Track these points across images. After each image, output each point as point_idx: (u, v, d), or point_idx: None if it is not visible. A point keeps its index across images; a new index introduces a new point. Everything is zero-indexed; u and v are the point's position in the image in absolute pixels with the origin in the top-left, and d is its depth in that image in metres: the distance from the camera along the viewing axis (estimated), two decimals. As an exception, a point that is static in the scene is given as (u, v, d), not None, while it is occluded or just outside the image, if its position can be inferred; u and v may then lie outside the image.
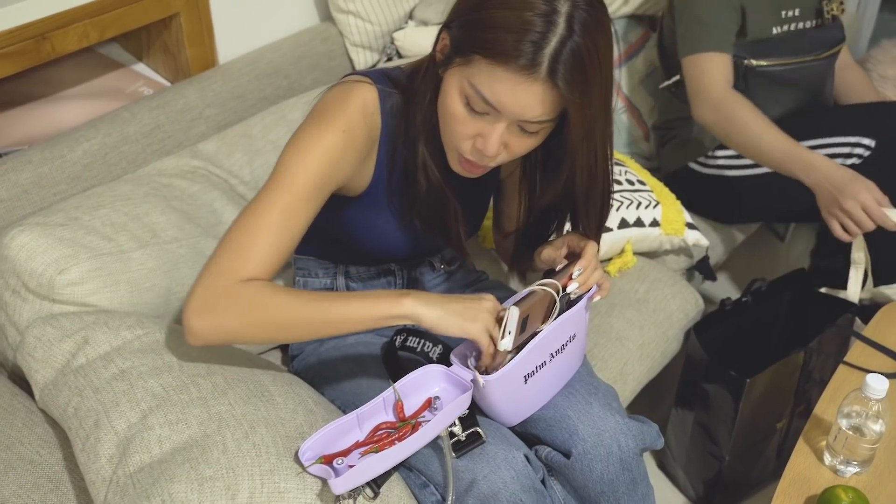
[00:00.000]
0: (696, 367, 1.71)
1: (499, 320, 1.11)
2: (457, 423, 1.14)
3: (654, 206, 1.80)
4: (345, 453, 1.09)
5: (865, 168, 1.81)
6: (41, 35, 1.47)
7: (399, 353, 1.28)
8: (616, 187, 1.79)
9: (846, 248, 1.79)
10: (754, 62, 1.86)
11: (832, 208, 1.67)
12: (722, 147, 1.94)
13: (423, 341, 1.26)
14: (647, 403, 1.96)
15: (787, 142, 1.71)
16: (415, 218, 1.26)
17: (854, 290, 1.78)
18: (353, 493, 1.07)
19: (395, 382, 1.14)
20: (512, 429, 1.25)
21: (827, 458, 1.35)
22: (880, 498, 1.30)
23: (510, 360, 1.13)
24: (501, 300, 1.19)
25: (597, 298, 1.25)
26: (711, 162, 1.97)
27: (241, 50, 1.85)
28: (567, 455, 1.22)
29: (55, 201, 1.49)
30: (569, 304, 1.21)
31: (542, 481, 1.23)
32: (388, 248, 1.31)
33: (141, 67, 1.81)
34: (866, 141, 1.84)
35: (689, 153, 2.00)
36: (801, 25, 1.92)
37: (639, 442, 1.24)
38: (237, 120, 1.76)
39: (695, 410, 1.74)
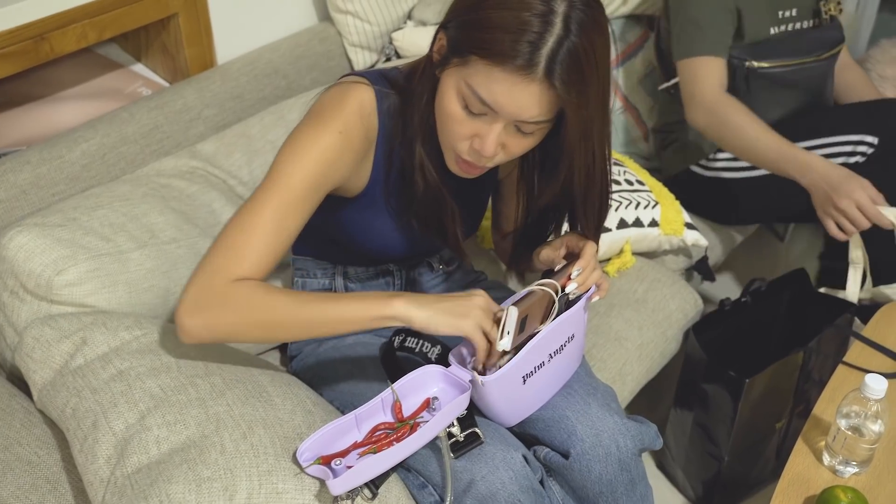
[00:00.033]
0: (695, 368, 1.71)
1: (497, 320, 1.11)
2: (455, 423, 1.14)
3: (653, 207, 1.80)
4: (343, 454, 1.09)
5: (869, 166, 1.81)
6: (40, 35, 1.47)
7: (397, 354, 1.28)
8: (615, 187, 1.79)
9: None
10: (755, 64, 1.86)
11: (827, 207, 1.68)
12: (722, 150, 1.94)
13: (421, 342, 1.26)
14: (646, 404, 1.96)
15: (781, 143, 1.72)
16: (412, 218, 1.26)
17: (853, 289, 1.78)
18: (352, 493, 1.07)
19: (393, 383, 1.14)
20: (510, 429, 1.25)
21: (826, 458, 1.35)
22: (879, 498, 1.30)
23: (509, 361, 1.13)
24: (500, 300, 1.19)
25: (595, 299, 1.25)
26: (713, 165, 1.97)
27: (239, 50, 1.84)
28: (565, 455, 1.22)
29: (53, 202, 1.49)
30: (567, 304, 1.21)
31: (541, 482, 1.23)
32: (385, 248, 1.31)
33: (139, 68, 1.81)
34: (869, 139, 1.84)
35: (690, 156, 2.00)
36: (798, 26, 1.92)
37: (637, 442, 1.24)
38: (236, 120, 1.75)
39: (694, 411, 1.74)
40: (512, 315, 1.09)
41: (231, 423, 1.10)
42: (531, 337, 1.15)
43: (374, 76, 1.20)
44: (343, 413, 1.22)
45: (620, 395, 1.61)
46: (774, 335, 1.88)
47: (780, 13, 1.89)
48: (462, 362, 1.16)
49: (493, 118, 1.08)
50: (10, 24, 1.42)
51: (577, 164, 1.16)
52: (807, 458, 1.37)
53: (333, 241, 1.34)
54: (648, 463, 1.94)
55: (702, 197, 2.00)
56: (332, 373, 1.34)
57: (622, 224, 1.76)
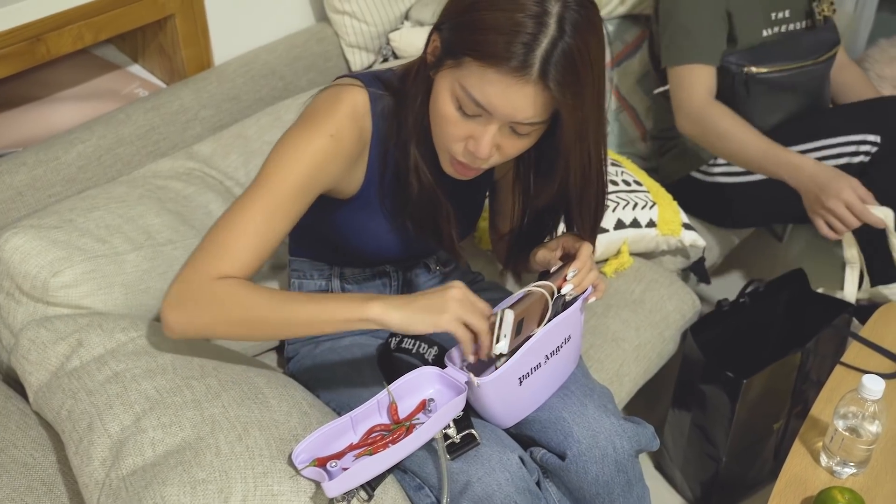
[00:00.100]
0: (693, 368, 1.71)
1: (492, 324, 1.11)
2: (451, 424, 1.14)
3: (651, 207, 1.80)
4: (339, 456, 1.09)
5: (875, 165, 1.81)
6: (36, 37, 1.47)
7: (394, 355, 1.28)
8: (612, 188, 1.79)
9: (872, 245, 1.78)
10: (754, 69, 1.86)
11: (816, 207, 1.69)
12: None
13: (418, 343, 1.26)
14: (644, 404, 1.96)
15: (769, 146, 1.73)
16: (407, 220, 1.26)
17: (850, 289, 1.78)
18: (348, 495, 1.06)
19: (389, 385, 1.14)
20: (507, 430, 1.25)
21: (823, 459, 1.35)
22: (877, 499, 1.30)
23: (505, 363, 1.12)
24: (497, 301, 1.19)
25: (592, 300, 1.24)
26: (712, 171, 1.97)
27: (236, 51, 1.84)
28: (562, 457, 1.22)
29: (50, 203, 1.49)
30: (564, 305, 1.20)
31: (538, 483, 1.22)
32: (380, 250, 1.31)
33: (136, 69, 1.81)
34: (871, 138, 1.84)
35: (689, 163, 2.00)
36: (791, 27, 1.92)
37: (634, 444, 1.24)
38: (232, 121, 1.75)
39: (692, 411, 1.74)
40: (508, 318, 1.09)
41: (226, 425, 1.10)
42: (528, 339, 1.15)
43: (367, 78, 1.20)
44: (340, 415, 1.22)
45: (618, 396, 1.61)
46: (772, 336, 1.88)
47: (773, 15, 1.89)
48: (459, 364, 1.15)
49: (488, 120, 1.07)
50: (6, 25, 1.42)
51: (572, 165, 1.16)
52: (804, 458, 1.37)
53: (329, 243, 1.34)
54: (646, 464, 1.94)
55: (702, 202, 2.00)
56: (329, 374, 1.34)
57: (620, 225, 1.76)
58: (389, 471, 1.14)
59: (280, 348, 1.57)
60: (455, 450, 1.14)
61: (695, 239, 1.84)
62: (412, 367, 1.17)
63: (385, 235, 1.29)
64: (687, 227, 1.84)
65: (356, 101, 1.16)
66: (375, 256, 1.35)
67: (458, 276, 1.50)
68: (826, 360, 1.73)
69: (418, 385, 1.16)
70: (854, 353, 1.58)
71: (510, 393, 1.17)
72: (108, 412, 1.11)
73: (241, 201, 1.12)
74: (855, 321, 1.79)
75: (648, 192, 1.84)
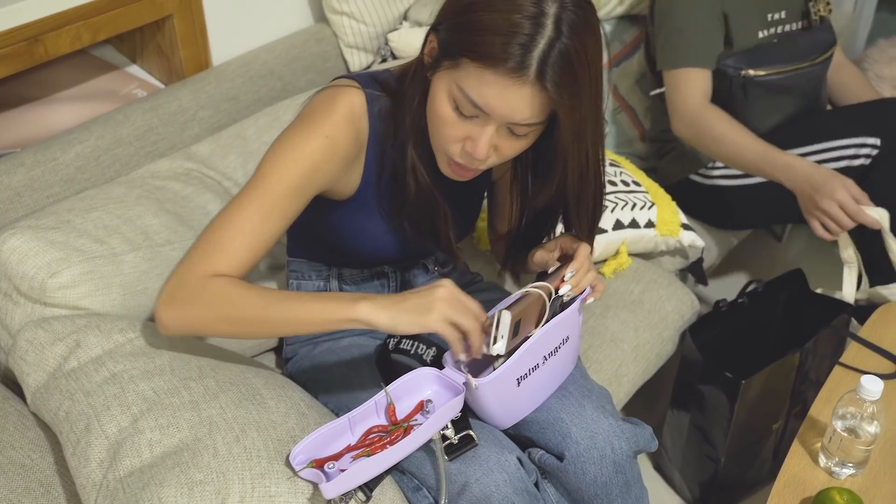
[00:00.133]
0: (692, 369, 1.71)
1: (489, 327, 1.10)
2: (449, 425, 1.14)
3: (650, 208, 1.80)
4: (336, 457, 1.09)
5: (875, 168, 1.80)
6: (34, 37, 1.47)
7: (393, 356, 1.28)
8: (611, 188, 1.79)
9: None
10: (752, 72, 1.85)
11: (811, 208, 1.69)
12: None
13: (416, 344, 1.26)
14: (642, 405, 1.96)
15: (764, 148, 1.73)
16: (404, 221, 1.25)
17: (848, 290, 1.78)
18: (345, 496, 1.06)
19: (387, 385, 1.14)
20: (505, 431, 1.25)
21: (822, 459, 1.35)
22: (875, 500, 1.30)
23: (503, 363, 1.12)
24: (496, 302, 1.19)
25: (590, 300, 1.24)
26: (711, 174, 1.97)
27: (234, 51, 1.84)
28: (560, 458, 1.22)
29: (48, 204, 1.49)
30: (562, 306, 1.20)
31: (536, 484, 1.23)
32: (377, 250, 1.31)
33: (134, 69, 1.81)
34: (871, 140, 1.84)
35: (688, 165, 2.00)
36: (787, 28, 1.91)
37: (632, 444, 1.24)
38: (231, 122, 1.75)
39: (690, 412, 1.74)
40: (505, 319, 1.08)
41: (224, 426, 1.10)
42: (526, 340, 1.15)
43: (364, 79, 1.20)
44: (338, 416, 1.22)
45: (616, 396, 1.60)
46: (771, 336, 1.88)
47: (770, 16, 1.88)
48: (457, 365, 1.15)
49: (485, 121, 1.07)
50: (4, 25, 1.42)
51: (570, 166, 1.16)
52: (803, 459, 1.37)
53: (326, 244, 1.34)
54: (645, 464, 1.94)
55: (701, 204, 2.00)
56: (327, 375, 1.34)
57: (618, 225, 1.75)
58: (387, 472, 1.14)
59: (278, 349, 1.57)
60: (453, 451, 1.14)
61: (693, 239, 1.84)
62: (410, 367, 1.17)
63: (382, 236, 1.29)
64: (686, 227, 1.84)
65: (353, 103, 1.16)
66: (373, 257, 1.35)
67: (455, 277, 1.50)
68: (825, 360, 1.73)
69: (416, 386, 1.16)
70: (853, 353, 1.58)
71: (508, 394, 1.17)
72: (106, 413, 1.11)
73: (237, 201, 1.13)
74: (854, 321, 1.79)
75: (647, 192, 1.84)
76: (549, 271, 1.25)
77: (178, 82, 1.73)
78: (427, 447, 1.14)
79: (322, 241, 1.34)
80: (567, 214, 1.29)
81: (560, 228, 1.35)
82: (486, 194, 1.49)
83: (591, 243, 1.27)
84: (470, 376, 1.12)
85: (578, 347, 1.30)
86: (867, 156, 1.84)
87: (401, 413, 1.14)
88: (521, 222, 1.32)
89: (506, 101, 1.03)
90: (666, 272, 1.83)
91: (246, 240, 1.11)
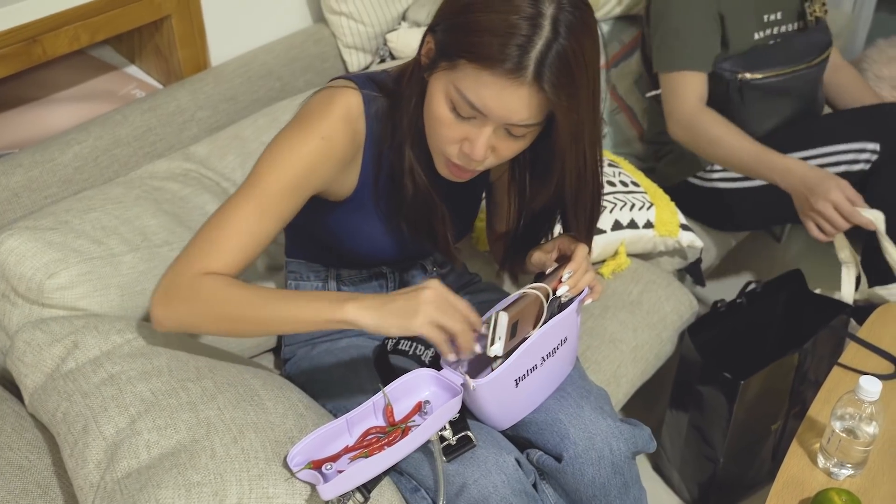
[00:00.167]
0: (691, 370, 1.71)
1: (473, 328, 1.10)
2: (447, 427, 1.14)
3: (648, 208, 1.80)
4: (334, 458, 1.09)
5: (875, 174, 1.80)
6: (32, 38, 1.47)
7: (391, 357, 1.28)
8: (609, 189, 1.78)
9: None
10: (748, 76, 1.85)
11: (806, 209, 1.69)
12: None
13: (415, 344, 1.26)
14: (641, 405, 1.95)
15: (761, 151, 1.73)
16: (401, 222, 1.25)
17: (847, 290, 1.78)
18: (343, 498, 1.06)
19: (385, 387, 1.14)
20: (503, 432, 1.25)
21: (821, 460, 1.35)
22: (874, 501, 1.30)
23: (501, 365, 1.12)
24: (494, 302, 1.19)
25: (588, 301, 1.24)
26: (710, 176, 1.97)
27: (233, 52, 1.84)
28: (558, 459, 1.22)
29: (46, 205, 1.49)
30: (560, 307, 1.20)
31: (534, 485, 1.22)
32: (375, 251, 1.31)
33: (133, 70, 1.81)
34: (870, 146, 1.84)
35: (686, 168, 1.99)
36: (783, 29, 1.91)
37: (630, 445, 1.24)
38: (229, 122, 1.75)
39: (689, 412, 1.74)
40: (502, 320, 1.08)
41: (222, 428, 1.10)
42: (524, 341, 1.15)
43: (361, 80, 1.19)
44: (336, 416, 1.22)
45: (615, 397, 1.60)
46: (770, 336, 1.88)
47: (766, 17, 1.88)
48: (455, 366, 1.15)
49: (483, 122, 1.07)
50: (2, 26, 1.42)
51: (568, 167, 1.16)
52: (801, 460, 1.37)
53: (324, 245, 1.34)
54: (644, 465, 1.93)
55: (701, 207, 2.00)
56: (325, 376, 1.34)
57: (617, 226, 1.75)
58: (386, 473, 1.14)
59: (277, 350, 1.57)
60: (451, 452, 1.14)
61: (692, 240, 1.84)
62: (408, 368, 1.17)
63: (379, 237, 1.28)
64: (684, 227, 1.84)
65: (350, 104, 1.16)
66: (370, 258, 1.35)
67: (454, 278, 1.50)
68: (824, 360, 1.73)
69: (414, 387, 1.16)
70: (852, 353, 1.57)
71: (506, 395, 1.17)
72: (104, 414, 1.11)
73: (233, 200, 1.14)
74: (853, 322, 1.79)
75: (646, 192, 1.84)
76: (547, 272, 1.25)
77: (177, 83, 1.73)
78: (425, 448, 1.14)
79: (320, 242, 1.34)
80: (565, 215, 1.28)
81: (558, 229, 1.35)
82: (484, 195, 1.49)
83: (589, 244, 1.27)
84: (468, 377, 1.12)
85: (577, 348, 1.30)
86: (867, 161, 1.84)
87: (399, 414, 1.14)
88: (519, 223, 1.32)
89: (503, 102, 1.03)
90: (665, 273, 1.83)
91: (241, 239, 1.12)
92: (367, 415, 1.13)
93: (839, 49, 2.55)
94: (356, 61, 1.97)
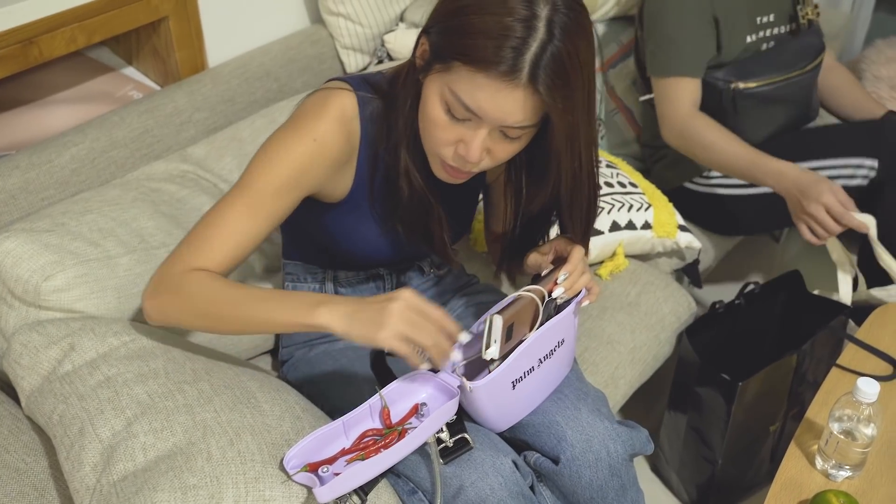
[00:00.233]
0: (689, 371, 1.71)
1: (481, 332, 1.09)
2: (444, 429, 1.14)
3: (646, 209, 1.79)
4: (330, 461, 1.08)
5: (876, 190, 1.80)
6: (28, 39, 1.46)
7: (388, 359, 1.27)
8: (607, 190, 1.78)
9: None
10: (741, 85, 1.85)
11: (799, 212, 1.69)
12: None
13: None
14: (640, 407, 1.95)
15: (755, 155, 1.73)
16: (397, 224, 1.25)
17: (845, 291, 1.78)
18: (340, 500, 1.06)
19: (381, 389, 1.13)
20: (500, 434, 1.25)
21: (819, 462, 1.35)
22: (872, 502, 1.30)
23: (498, 367, 1.12)
24: (492, 304, 1.18)
25: (586, 303, 1.24)
26: (708, 182, 1.96)
27: (230, 53, 1.84)
28: (556, 461, 1.22)
29: (43, 206, 1.49)
30: (557, 308, 1.20)
31: (531, 487, 1.22)
32: (371, 253, 1.31)
33: (130, 71, 1.80)
34: (868, 162, 1.83)
35: (682, 172, 1.99)
36: (775, 31, 1.90)
37: (628, 447, 1.24)
38: (227, 123, 1.75)
39: (687, 414, 1.73)
40: (497, 323, 1.08)
41: (218, 430, 1.09)
42: (520, 343, 1.14)
43: (356, 81, 1.19)
44: (333, 419, 1.22)
45: (613, 398, 1.60)
46: (768, 338, 1.88)
47: (758, 19, 1.88)
48: (452, 368, 1.15)
49: (478, 124, 1.07)
50: (-2, 28, 1.42)
51: (563, 168, 1.16)
52: (799, 461, 1.36)
53: (321, 246, 1.34)
54: (643, 466, 1.93)
55: (700, 211, 2.00)
56: (323, 378, 1.34)
57: (615, 227, 1.75)
58: (383, 475, 1.14)
59: (274, 351, 1.57)
60: (448, 454, 1.14)
61: (690, 241, 1.84)
62: (405, 371, 1.16)
63: (375, 239, 1.28)
64: (682, 228, 1.84)
65: (344, 105, 1.16)
66: (366, 260, 1.34)
67: (451, 279, 1.50)
68: (822, 361, 1.73)
69: (411, 389, 1.16)
70: (850, 355, 1.57)
71: (503, 397, 1.17)
72: (100, 417, 1.10)
73: (225, 199, 1.15)
74: (851, 323, 1.79)
75: (644, 193, 1.83)
76: (543, 274, 1.24)
77: (174, 84, 1.73)
78: (422, 450, 1.14)
79: (316, 244, 1.34)
80: (561, 217, 1.28)
81: (556, 230, 1.35)
82: (481, 196, 1.49)
83: (585, 246, 1.27)
84: (465, 379, 1.12)
85: (574, 350, 1.30)
86: (864, 176, 1.84)
87: (395, 416, 1.14)
88: (515, 224, 1.32)
89: (498, 104, 1.03)
90: (663, 274, 1.83)
91: (231, 237, 1.13)
92: (363, 417, 1.13)
93: (837, 49, 2.55)
94: (354, 62, 1.97)
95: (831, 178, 1.85)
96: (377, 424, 1.14)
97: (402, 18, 2.00)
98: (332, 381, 1.32)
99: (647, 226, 1.78)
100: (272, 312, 1.09)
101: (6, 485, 1.14)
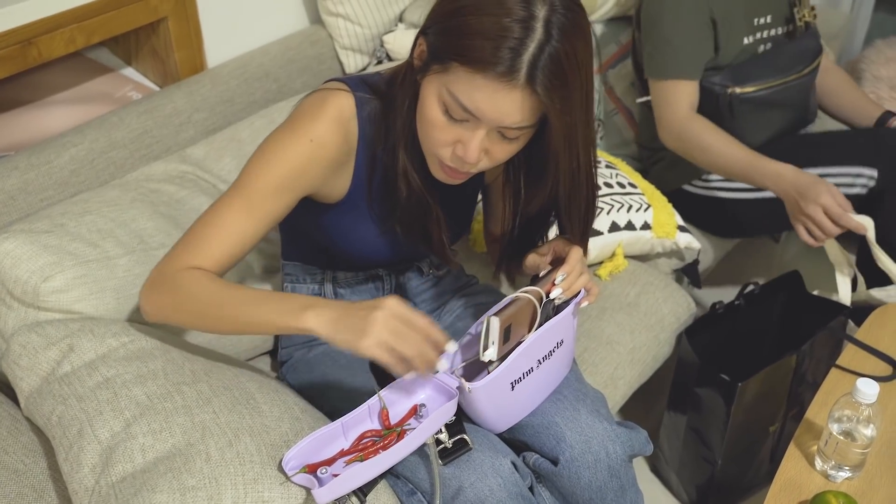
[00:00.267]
0: (688, 371, 1.71)
1: (478, 334, 1.09)
2: (443, 430, 1.13)
3: (645, 210, 1.79)
4: (329, 462, 1.08)
5: (876, 199, 1.79)
6: (27, 40, 1.46)
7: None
8: (607, 190, 1.78)
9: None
10: (738, 90, 1.85)
11: (797, 213, 1.69)
12: None
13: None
14: (639, 407, 1.95)
15: (753, 157, 1.73)
16: (395, 224, 1.25)
17: (844, 291, 1.78)
18: (339, 501, 1.06)
19: (380, 390, 1.13)
20: (500, 435, 1.25)
21: (818, 463, 1.34)
22: (871, 503, 1.29)
23: (496, 367, 1.12)
24: (490, 304, 1.18)
25: (585, 304, 1.24)
26: (708, 185, 1.96)
27: (230, 54, 1.84)
28: (555, 462, 1.21)
29: (42, 207, 1.49)
30: (555, 309, 1.20)
31: (530, 488, 1.22)
32: (369, 254, 1.31)
33: (129, 72, 1.80)
34: (868, 172, 1.83)
35: (681, 174, 1.98)
36: (772, 33, 1.90)
37: (627, 448, 1.24)
38: (226, 124, 1.75)
39: (687, 414, 1.73)
40: (494, 325, 1.08)
41: (217, 431, 1.09)
42: (519, 344, 1.14)
43: (354, 82, 1.19)
44: (332, 420, 1.21)
45: (612, 399, 1.60)
46: (768, 338, 1.88)
47: (756, 20, 1.87)
48: (451, 369, 1.15)
49: (476, 125, 1.07)
50: (-3, 28, 1.42)
51: (561, 168, 1.16)
52: (799, 462, 1.36)
53: (319, 247, 1.34)
54: (642, 467, 1.93)
55: (698, 213, 2.00)
56: (321, 379, 1.33)
57: (614, 227, 1.75)
58: (382, 476, 1.14)
59: (274, 352, 1.57)
60: (447, 455, 1.13)
61: (689, 241, 1.84)
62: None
63: (373, 240, 1.28)
64: (682, 229, 1.84)
65: (342, 106, 1.16)
66: (364, 261, 1.34)
67: (450, 280, 1.50)
68: (821, 362, 1.73)
69: (410, 390, 1.15)
70: (849, 355, 1.57)
71: (502, 398, 1.17)
72: (99, 418, 1.10)
73: (221, 199, 1.16)
74: (851, 323, 1.79)
75: (643, 194, 1.83)
76: (541, 275, 1.24)
77: (173, 85, 1.73)
78: (421, 451, 1.14)
79: (315, 244, 1.34)
80: (560, 217, 1.28)
81: (555, 231, 1.35)
82: (481, 197, 1.49)
83: (584, 246, 1.27)
84: (464, 380, 1.12)
85: (573, 351, 1.30)
86: (863, 186, 1.83)
87: (394, 417, 1.14)
88: (514, 225, 1.32)
89: (496, 105, 1.03)
90: (662, 274, 1.83)
91: (227, 237, 1.14)
92: (362, 418, 1.13)
93: (837, 50, 2.55)
94: (353, 63, 1.97)
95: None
96: (376, 425, 1.13)
97: (401, 19, 2.00)
98: (331, 382, 1.32)
99: (646, 226, 1.78)
100: (261, 314, 1.09)
101: (5, 486, 1.14)
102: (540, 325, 1.16)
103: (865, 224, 1.65)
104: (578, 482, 1.20)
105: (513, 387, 1.16)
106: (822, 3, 2.90)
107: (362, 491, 1.09)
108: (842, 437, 1.29)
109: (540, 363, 1.19)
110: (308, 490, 1.07)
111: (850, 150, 1.88)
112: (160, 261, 1.17)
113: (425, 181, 1.19)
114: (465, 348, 1.21)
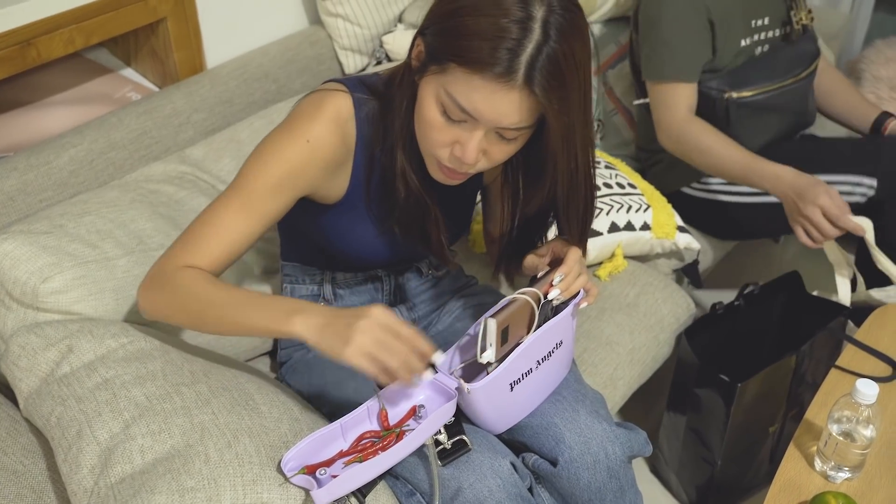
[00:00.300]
0: (688, 372, 1.71)
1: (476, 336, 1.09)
2: (442, 431, 1.14)
3: (645, 210, 1.79)
4: (328, 463, 1.08)
5: (875, 209, 1.79)
6: (26, 41, 1.46)
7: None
8: (606, 191, 1.78)
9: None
10: (735, 95, 1.84)
11: (795, 215, 1.69)
12: None
13: (410, 348, 1.25)
14: (639, 408, 1.95)
15: (751, 159, 1.73)
16: (394, 225, 1.25)
17: (843, 292, 1.77)
18: (338, 502, 1.06)
19: (379, 390, 1.13)
20: (499, 436, 1.25)
21: (818, 463, 1.34)
22: (871, 504, 1.30)
23: (495, 368, 1.12)
24: (490, 305, 1.18)
25: (584, 305, 1.24)
26: (708, 188, 1.96)
27: (229, 54, 1.84)
28: (554, 463, 1.21)
29: (41, 208, 1.49)
30: (554, 310, 1.20)
31: (530, 489, 1.22)
32: (368, 255, 1.31)
33: (129, 72, 1.80)
34: (867, 181, 1.83)
35: (680, 176, 1.98)
36: (770, 35, 1.90)
37: (626, 449, 1.23)
38: (225, 125, 1.75)
39: (687, 415, 1.73)
40: (491, 327, 1.08)
41: (216, 432, 1.09)
42: (517, 345, 1.14)
43: (352, 83, 1.19)
44: (332, 421, 1.21)
45: (612, 400, 1.60)
46: (767, 339, 1.87)
47: (753, 22, 1.87)
48: (450, 370, 1.15)
49: (474, 125, 1.07)
50: (-4, 29, 1.42)
51: (560, 169, 1.16)
52: (798, 463, 1.36)
53: (318, 248, 1.34)
54: (642, 467, 1.93)
55: (697, 215, 1.99)
56: (321, 380, 1.33)
57: (613, 228, 1.75)
58: (381, 477, 1.14)
59: (273, 353, 1.57)
60: (446, 456, 1.13)
61: (689, 242, 1.83)
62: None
63: (372, 240, 1.28)
64: (681, 229, 1.83)
65: (339, 107, 1.16)
66: (363, 261, 1.34)
67: (449, 280, 1.50)
68: (821, 363, 1.72)
69: (409, 391, 1.15)
70: (849, 356, 1.57)
71: (501, 399, 1.17)
72: (98, 419, 1.10)
73: (219, 198, 1.16)
74: (850, 324, 1.79)
75: (643, 194, 1.83)
76: (539, 276, 1.24)
77: (172, 85, 1.73)
78: (421, 452, 1.14)
79: (314, 245, 1.34)
80: (558, 218, 1.28)
81: (554, 232, 1.34)
82: (480, 198, 1.49)
83: (582, 247, 1.27)
84: (462, 381, 1.12)
85: (573, 352, 1.30)
86: (862, 195, 1.83)
87: (393, 418, 1.14)
88: (513, 226, 1.32)
89: (494, 105, 1.03)
90: (662, 275, 1.83)
91: (223, 237, 1.14)
92: (361, 419, 1.13)
93: (836, 50, 2.54)
94: (352, 63, 1.97)
95: None
96: (375, 426, 1.14)
97: (400, 19, 2.00)
98: (330, 383, 1.32)
99: (645, 227, 1.78)
100: (251, 317, 1.09)
101: (4, 487, 1.14)
102: (538, 326, 1.16)
103: (864, 225, 1.65)
104: (577, 483, 1.20)
105: (512, 388, 1.16)
106: (822, 3, 2.90)
107: (361, 492, 1.09)
108: (841, 438, 1.29)
109: (539, 364, 1.19)
110: (307, 491, 1.07)
111: (851, 158, 1.88)
112: (158, 259, 1.17)
113: (423, 182, 1.19)
114: (464, 349, 1.22)
